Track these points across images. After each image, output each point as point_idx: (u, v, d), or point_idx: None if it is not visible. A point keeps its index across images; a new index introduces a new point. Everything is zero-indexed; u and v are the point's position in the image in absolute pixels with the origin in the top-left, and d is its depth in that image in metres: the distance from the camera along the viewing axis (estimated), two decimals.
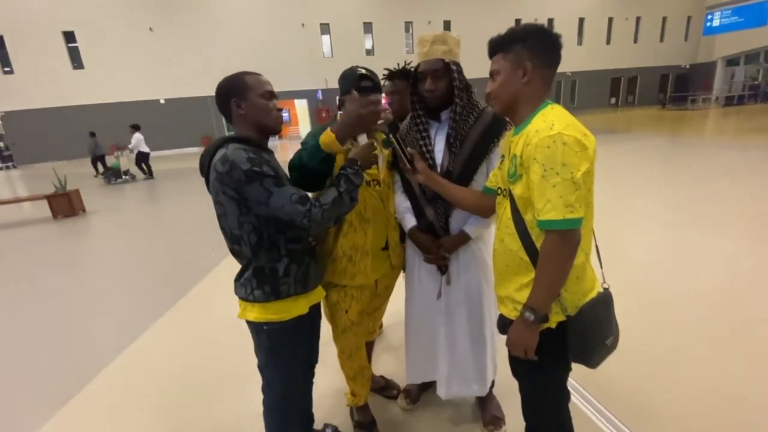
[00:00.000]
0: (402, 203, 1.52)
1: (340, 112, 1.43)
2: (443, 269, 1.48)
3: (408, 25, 19.64)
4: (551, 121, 0.92)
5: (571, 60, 21.71)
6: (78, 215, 6.60)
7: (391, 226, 1.50)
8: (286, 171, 1.24)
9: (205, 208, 4.87)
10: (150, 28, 16.64)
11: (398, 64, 2.05)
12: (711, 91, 20.82)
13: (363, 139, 1.26)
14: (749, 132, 10.52)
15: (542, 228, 0.92)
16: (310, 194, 1.13)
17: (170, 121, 17.76)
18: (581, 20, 21.86)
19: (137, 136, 10.20)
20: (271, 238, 1.13)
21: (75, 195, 6.67)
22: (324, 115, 19.03)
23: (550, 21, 20.63)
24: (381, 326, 2.51)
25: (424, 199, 1.46)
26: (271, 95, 1.18)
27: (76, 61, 16.79)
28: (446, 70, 1.34)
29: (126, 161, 12.64)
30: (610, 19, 22.38)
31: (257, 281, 1.15)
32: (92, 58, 16.68)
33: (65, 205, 6.50)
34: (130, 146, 10.36)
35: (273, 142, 15.22)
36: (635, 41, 23.22)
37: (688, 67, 23.98)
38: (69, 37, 16.45)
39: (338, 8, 18.50)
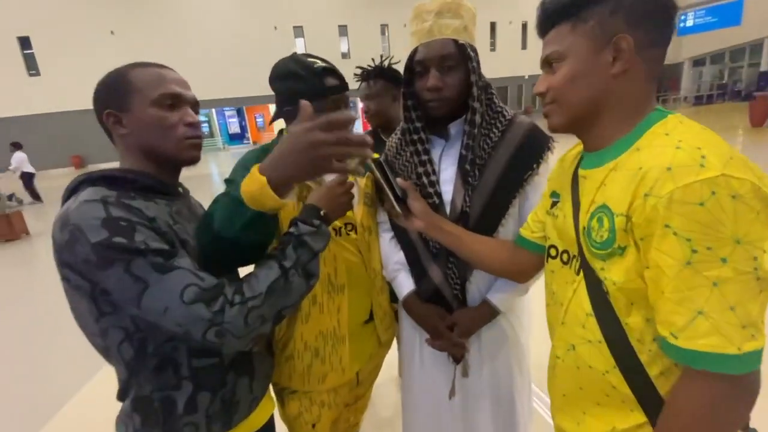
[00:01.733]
0: (392, 256, 1.06)
1: (279, 131, 0.99)
2: (458, 358, 1.01)
3: (384, 28, 19.37)
4: (693, 148, 0.51)
5: (521, 64, 21.76)
6: (20, 239, 5.89)
7: (377, 288, 1.06)
8: None
9: None
10: (111, 32, 15.74)
11: (373, 59, 1.65)
12: (679, 91, 21.44)
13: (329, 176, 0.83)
14: (720, 131, 10.70)
15: (682, 362, 0.52)
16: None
17: None
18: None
19: (18, 156, 8.85)
20: (160, 350, 0.69)
21: (17, 217, 5.95)
22: None
23: (525, 24, 20.85)
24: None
25: (427, 252, 0.99)
26: (178, 101, 0.74)
27: (33, 67, 15.68)
28: (461, 58, 0.88)
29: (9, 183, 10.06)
30: None
31: (141, 418, 0.70)
32: (49, 64, 15.64)
33: (4, 227, 5.78)
34: (11, 167, 9.01)
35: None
36: None
37: None
38: (24, 42, 15.36)
39: (312, 11, 18.03)
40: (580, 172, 0.69)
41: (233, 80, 17.13)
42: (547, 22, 0.65)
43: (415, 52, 0.91)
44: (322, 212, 0.79)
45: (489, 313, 0.97)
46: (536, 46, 0.61)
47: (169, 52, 16.50)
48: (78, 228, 0.59)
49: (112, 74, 0.73)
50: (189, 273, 0.63)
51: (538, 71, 0.69)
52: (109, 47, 15.60)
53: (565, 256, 0.72)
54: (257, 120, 21.76)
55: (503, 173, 0.92)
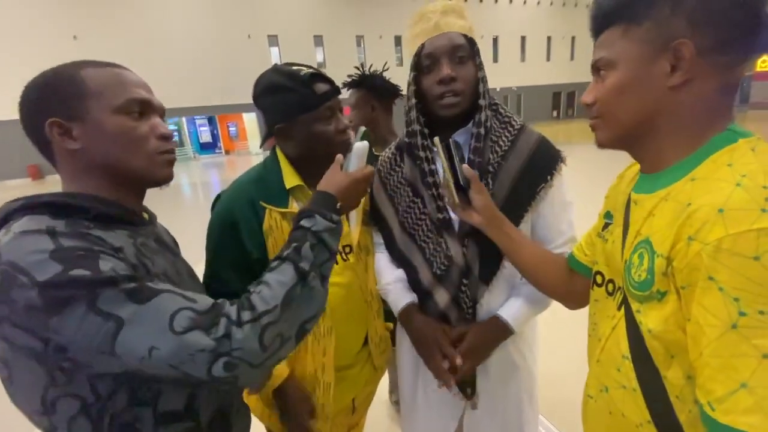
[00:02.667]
0: (388, 272, 0.99)
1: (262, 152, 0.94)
2: (467, 389, 0.91)
3: (359, 39, 19.51)
4: (758, 186, 0.43)
5: (517, 75, 22.75)
6: None
7: (373, 312, 1.00)
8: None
9: None
10: (74, 36, 15.09)
11: (358, 68, 1.64)
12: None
13: (353, 158, 0.77)
14: None
15: None
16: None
17: None
18: (523, 38, 23.02)
19: None
20: (120, 421, 0.53)
21: None
22: None
23: (495, 39, 21.59)
24: None
25: (430, 273, 0.90)
26: (147, 108, 0.62)
27: None
28: (471, 51, 0.86)
29: None
30: (549, 38, 23.82)
31: None
32: (6, 71, 14.78)
33: None
34: None
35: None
36: (572, 59, 24.92)
37: None
38: None
39: (286, 20, 17.91)
40: (633, 195, 0.60)
41: (205, 88, 16.71)
42: (599, 23, 0.57)
43: (421, 49, 0.87)
44: (338, 202, 0.70)
45: (501, 330, 0.88)
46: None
47: (137, 57, 15.93)
48: (14, 267, 0.45)
49: (55, 74, 0.58)
50: (176, 296, 0.51)
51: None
52: (72, 52, 14.93)
53: (610, 286, 0.65)
54: (230, 129, 21.29)
55: (515, 184, 0.87)
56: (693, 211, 0.46)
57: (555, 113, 25.74)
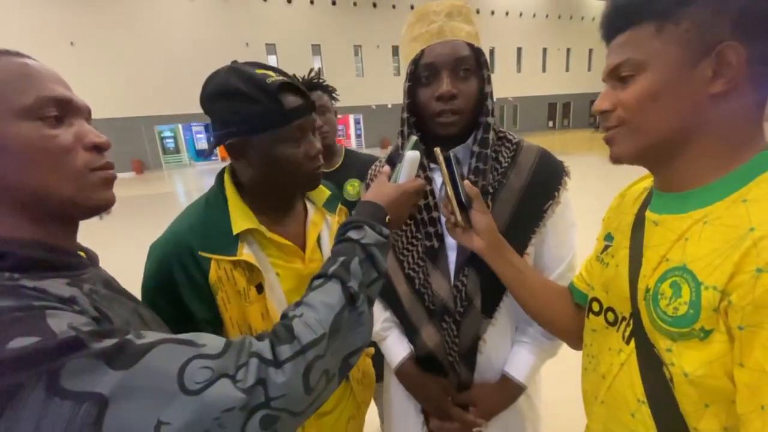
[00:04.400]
0: (379, 313, 0.90)
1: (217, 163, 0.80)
2: None
3: (357, 49, 19.62)
4: None
5: (513, 86, 22.98)
6: None
7: None
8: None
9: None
10: (71, 43, 15.02)
11: (312, 71, 1.45)
12: None
13: (404, 168, 0.69)
14: None
15: None
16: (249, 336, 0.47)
17: None
18: (519, 50, 23.28)
19: None
20: None
21: None
22: None
23: (492, 50, 21.82)
24: None
25: (421, 309, 0.82)
26: (67, 110, 0.48)
27: None
28: (476, 64, 0.77)
29: None
30: (545, 50, 24.12)
31: None
32: None
33: None
34: None
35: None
36: (567, 70, 25.25)
37: None
38: None
39: (285, 29, 17.98)
40: (649, 215, 0.54)
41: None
42: (621, 20, 0.50)
43: (420, 57, 0.76)
44: (387, 218, 0.61)
45: (514, 390, 0.80)
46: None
47: (134, 64, 15.92)
48: None
49: None
50: (175, 344, 0.40)
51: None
52: (69, 59, 14.87)
53: (610, 315, 0.58)
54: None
55: (519, 204, 0.78)
56: (760, 239, 0.40)
57: (551, 123, 25.95)
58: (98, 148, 0.49)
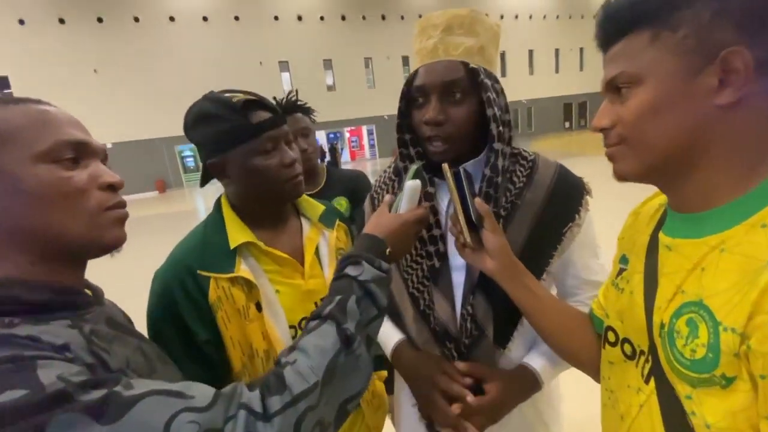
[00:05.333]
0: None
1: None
2: None
3: (367, 61, 19.87)
4: None
5: (526, 88, 22.77)
6: None
7: None
8: None
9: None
10: (94, 70, 15.76)
11: (290, 93, 1.42)
12: None
13: (404, 197, 0.67)
14: None
15: None
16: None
17: (119, 165, 16.57)
18: (531, 52, 23.11)
19: None
20: None
21: None
22: None
23: (503, 54, 21.73)
24: None
25: (425, 329, 0.76)
26: (83, 152, 0.49)
27: None
28: (471, 85, 0.70)
29: None
30: (557, 51, 23.86)
31: None
32: None
33: None
34: None
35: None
36: (581, 69, 24.84)
37: None
38: (2, 82, 15.22)
39: (296, 46, 18.41)
40: (663, 238, 0.49)
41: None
42: (613, 29, 0.46)
43: (413, 77, 0.74)
44: (388, 251, 0.59)
45: (530, 383, 0.72)
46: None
47: (154, 87, 16.57)
48: None
49: None
50: (163, 396, 0.39)
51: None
52: (93, 85, 15.60)
53: (627, 348, 0.53)
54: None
55: (535, 227, 0.72)
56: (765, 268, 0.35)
57: (567, 124, 25.53)
58: (112, 187, 0.51)
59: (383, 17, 19.70)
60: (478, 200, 0.65)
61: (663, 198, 0.54)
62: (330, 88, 19.42)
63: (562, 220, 0.73)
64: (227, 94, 0.74)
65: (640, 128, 0.45)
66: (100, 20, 15.56)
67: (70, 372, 0.37)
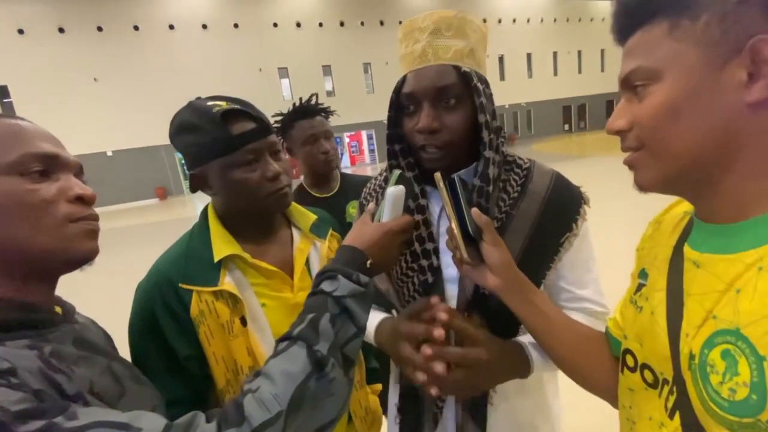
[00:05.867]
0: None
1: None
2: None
3: (367, 66, 19.95)
4: None
5: (524, 91, 22.83)
6: None
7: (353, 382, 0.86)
8: None
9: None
10: (95, 79, 15.82)
11: (311, 97, 1.40)
12: None
13: (386, 205, 0.62)
14: None
15: None
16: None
17: (119, 173, 16.56)
18: (529, 55, 23.17)
19: None
20: None
21: None
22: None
23: (501, 58, 21.81)
24: None
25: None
26: (52, 165, 0.48)
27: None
28: (465, 90, 0.67)
29: None
30: (555, 54, 23.93)
31: None
32: (29, 113, 15.51)
33: None
34: None
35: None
36: (579, 72, 24.89)
37: None
38: (2, 91, 15.27)
39: (295, 53, 18.48)
40: (689, 252, 0.44)
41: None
42: (629, 20, 0.42)
43: (402, 83, 0.70)
44: (368, 263, 0.56)
45: (519, 360, 0.66)
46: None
47: (154, 96, 16.62)
48: None
49: None
50: (108, 428, 0.37)
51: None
52: (93, 94, 15.65)
53: (648, 375, 0.47)
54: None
55: (531, 237, 0.69)
56: None
57: (566, 127, 25.54)
58: (81, 200, 0.50)
59: (381, 23, 19.79)
60: (475, 211, 0.60)
61: (688, 205, 0.49)
62: (329, 93, 19.48)
63: (560, 231, 0.70)
64: (210, 103, 0.71)
65: (660, 131, 0.40)
66: (99, 29, 15.63)
67: (10, 400, 0.35)
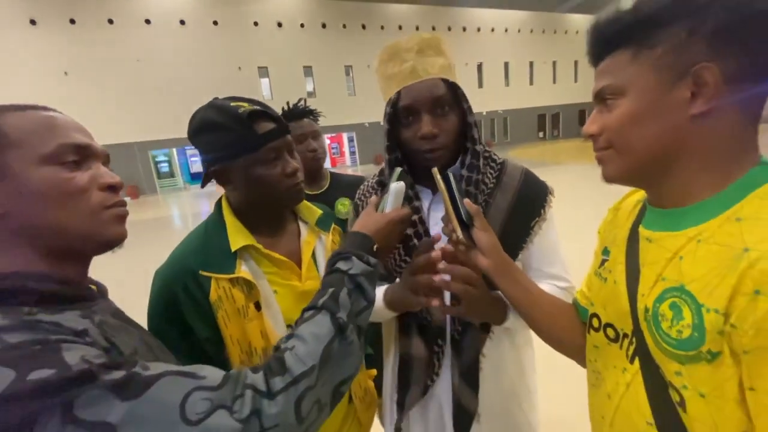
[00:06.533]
0: None
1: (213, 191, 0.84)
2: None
3: (348, 69, 19.99)
4: None
5: (501, 99, 23.44)
6: None
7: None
8: None
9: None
10: (65, 72, 15.22)
11: (300, 101, 1.52)
12: None
13: (389, 198, 0.72)
14: None
15: None
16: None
17: None
18: (506, 64, 23.83)
19: None
20: None
21: None
22: None
23: (480, 66, 22.33)
24: None
25: (412, 320, 0.85)
26: (85, 155, 0.52)
27: None
28: (454, 98, 0.79)
29: None
30: (531, 63, 24.69)
31: None
32: None
33: None
34: None
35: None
36: (554, 82, 25.78)
37: None
38: None
39: (276, 52, 18.34)
40: (643, 231, 0.54)
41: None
42: (600, 48, 0.52)
43: (397, 97, 0.79)
44: (374, 244, 0.64)
45: (501, 305, 0.75)
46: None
47: (128, 90, 16.07)
48: None
49: None
50: (178, 376, 0.43)
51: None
52: (63, 88, 15.04)
53: (610, 332, 0.58)
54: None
55: (506, 222, 0.81)
56: (756, 260, 0.39)
57: (541, 134, 26.35)
58: (112, 188, 0.54)
59: (363, 27, 19.91)
60: (467, 200, 0.69)
61: (641, 194, 0.60)
62: (310, 94, 19.39)
63: (530, 216, 0.82)
64: (233, 104, 0.76)
65: (624, 135, 0.50)
66: (72, 21, 15.07)
67: (92, 354, 0.41)
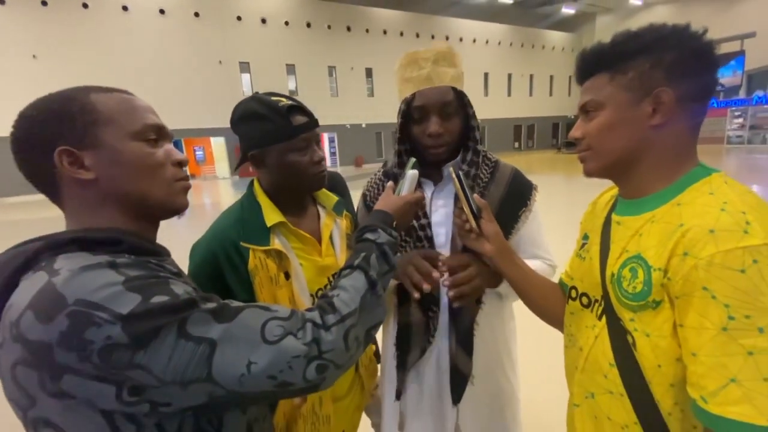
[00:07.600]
0: None
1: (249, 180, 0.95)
2: (454, 393, 0.96)
3: (331, 70, 20.00)
4: (738, 212, 0.51)
5: (480, 109, 23.36)
6: None
7: None
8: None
9: None
10: (33, 56, 14.50)
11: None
12: None
13: (405, 183, 0.83)
14: None
15: (710, 426, 0.50)
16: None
17: None
18: (486, 75, 24.50)
19: None
20: None
21: None
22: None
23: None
24: None
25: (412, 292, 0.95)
26: (161, 135, 0.61)
27: None
28: (460, 104, 0.94)
29: None
30: (509, 76, 25.48)
31: None
32: None
33: None
34: None
35: None
36: (530, 95, 26.68)
37: (573, 117, 27.83)
38: None
39: (258, 49, 18.16)
40: (614, 217, 0.68)
41: (171, 111, 16.30)
42: (585, 71, 0.66)
43: (412, 98, 0.93)
44: (394, 221, 0.75)
45: (493, 270, 0.88)
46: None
47: (102, 79, 15.30)
48: (87, 304, 0.43)
49: (60, 100, 0.54)
50: (257, 308, 0.53)
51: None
52: (31, 72, 14.31)
53: (584, 299, 0.72)
54: (196, 153, 20.91)
55: (498, 212, 0.93)
56: (686, 230, 0.53)
57: (516, 144, 27.16)
58: (180, 164, 0.63)
59: (348, 28, 19.99)
60: (476, 196, 0.83)
61: (614, 191, 0.75)
62: (292, 93, 19.30)
63: (518, 206, 0.98)
64: (274, 98, 0.88)
65: (601, 139, 0.64)
66: (44, 3, 14.37)
67: (188, 290, 0.50)
